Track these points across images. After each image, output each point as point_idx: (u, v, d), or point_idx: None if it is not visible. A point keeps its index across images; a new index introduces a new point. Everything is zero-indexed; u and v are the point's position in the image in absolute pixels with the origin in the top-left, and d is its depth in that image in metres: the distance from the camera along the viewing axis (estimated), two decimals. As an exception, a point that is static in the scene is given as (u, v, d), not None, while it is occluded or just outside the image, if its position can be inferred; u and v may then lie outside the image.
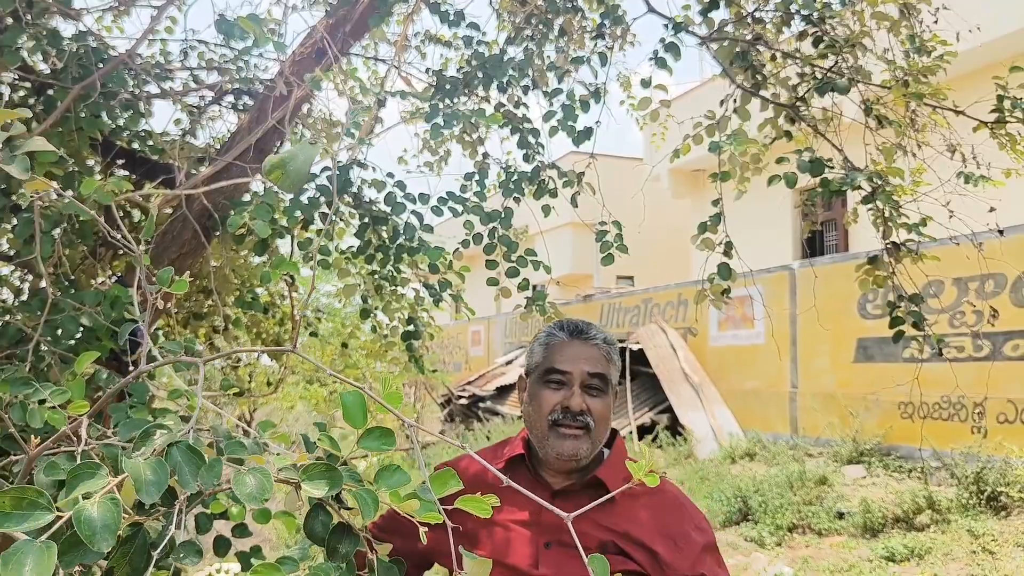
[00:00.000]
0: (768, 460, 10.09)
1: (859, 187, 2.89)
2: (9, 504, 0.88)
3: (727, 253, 3.18)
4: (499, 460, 1.73)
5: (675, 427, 12.11)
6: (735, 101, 3.37)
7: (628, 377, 13.25)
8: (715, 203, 3.18)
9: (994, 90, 3.27)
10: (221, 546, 1.84)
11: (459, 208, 3.27)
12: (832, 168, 2.95)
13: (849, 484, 8.67)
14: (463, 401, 16.77)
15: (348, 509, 1.15)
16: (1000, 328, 8.39)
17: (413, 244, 3.28)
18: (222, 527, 1.70)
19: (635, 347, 13.66)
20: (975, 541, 6.60)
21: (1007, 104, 3.19)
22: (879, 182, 2.87)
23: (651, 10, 3.37)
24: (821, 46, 3.18)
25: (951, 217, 3.34)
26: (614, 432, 1.78)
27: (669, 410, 12.47)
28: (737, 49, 3.28)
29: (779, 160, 3.09)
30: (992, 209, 3.47)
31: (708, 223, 3.16)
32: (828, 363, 10.60)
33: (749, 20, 3.38)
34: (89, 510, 0.88)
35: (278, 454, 1.23)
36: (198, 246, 3.19)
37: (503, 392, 15.93)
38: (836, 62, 3.17)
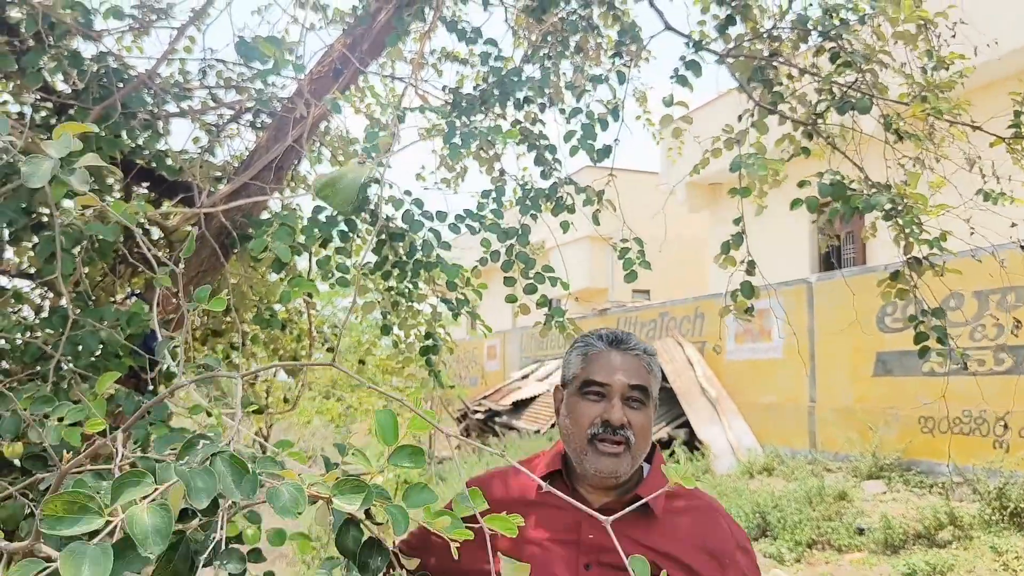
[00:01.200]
0: (787, 475, 10.00)
1: (883, 209, 2.88)
2: (61, 508, 0.88)
3: (750, 272, 3.15)
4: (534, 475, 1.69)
5: (692, 442, 12.03)
6: (752, 116, 3.36)
7: (644, 391, 13.18)
8: (737, 222, 3.16)
9: (1011, 104, 3.25)
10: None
11: (476, 226, 3.27)
12: (853, 191, 2.93)
13: (869, 499, 8.58)
14: (479, 416, 16.76)
15: (378, 524, 1.15)
16: (1022, 341, 8.30)
17: (430, 260, 3.28)
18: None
19: (651, 361, 13.59)
20: (998, 558, 6.51)
21: (1024, 119, 3.18)
22: (901, 202, 2.85)
23: (668, 27, 3.37)
24: (838, 62, 3.17)
25: (972, 234, 3.32)
26: (653, 446, 1.71)
27: (686, 425, 12.39)
28: (754, 65, 3.27)
29: (801, 184, 3.07)
30: (1014, 225, 3.45)
31: (731, 242, 3.14)
32: (847, 377, 10.51)
33: (766, 36, 3.38)
34: (141, 514, 0.89)
35: (299, 474, 1.24)
36: (217, 264, 3.21)
37: (519, 407, 15.89)
38: (856, 80, 3.16)
